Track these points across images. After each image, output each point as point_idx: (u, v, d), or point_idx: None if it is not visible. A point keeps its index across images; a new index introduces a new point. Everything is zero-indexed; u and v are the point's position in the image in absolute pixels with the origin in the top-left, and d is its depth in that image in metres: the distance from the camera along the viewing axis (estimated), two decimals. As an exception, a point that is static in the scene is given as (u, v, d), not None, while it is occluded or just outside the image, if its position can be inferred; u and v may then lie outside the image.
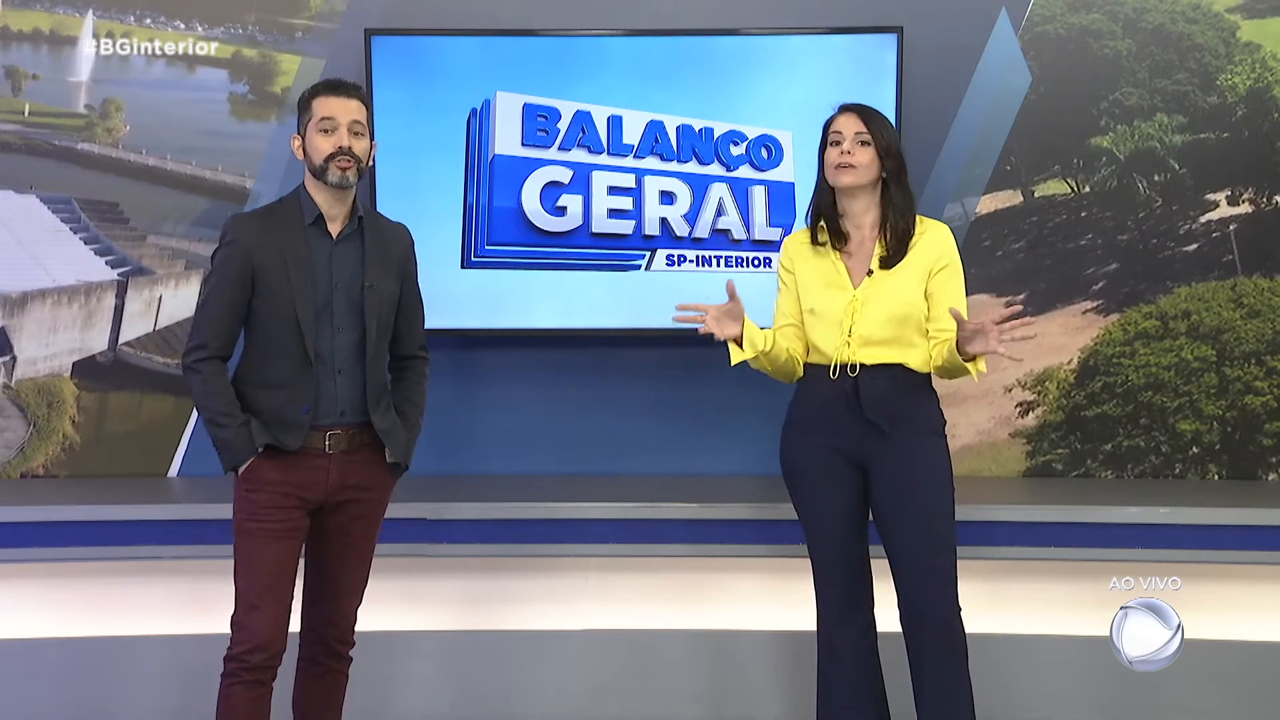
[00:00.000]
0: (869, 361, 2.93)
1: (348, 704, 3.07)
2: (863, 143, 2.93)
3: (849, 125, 2.95)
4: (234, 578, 2.84)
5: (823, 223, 3.03)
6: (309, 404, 2.80)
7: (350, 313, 2.84)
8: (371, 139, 2.90)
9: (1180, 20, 4.10)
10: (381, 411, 2.89)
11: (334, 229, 2.85)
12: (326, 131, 2.80)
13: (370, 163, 2.91)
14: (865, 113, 2.97)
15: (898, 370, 2.94)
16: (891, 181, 2.95)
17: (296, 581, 2.88)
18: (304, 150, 2.85)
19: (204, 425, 2.82)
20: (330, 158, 2.79)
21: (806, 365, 3.04)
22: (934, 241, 2.97)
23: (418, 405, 3.02)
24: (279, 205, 2.89)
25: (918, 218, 3.00)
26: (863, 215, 3.00)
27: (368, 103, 2.89)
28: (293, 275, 2.78)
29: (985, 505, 3.64)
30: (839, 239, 3.01)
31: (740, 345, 2.94)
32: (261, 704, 2.82)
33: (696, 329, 2.94)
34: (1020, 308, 2.85)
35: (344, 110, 2.81)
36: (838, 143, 2.95)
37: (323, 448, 2.82)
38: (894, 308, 2.93)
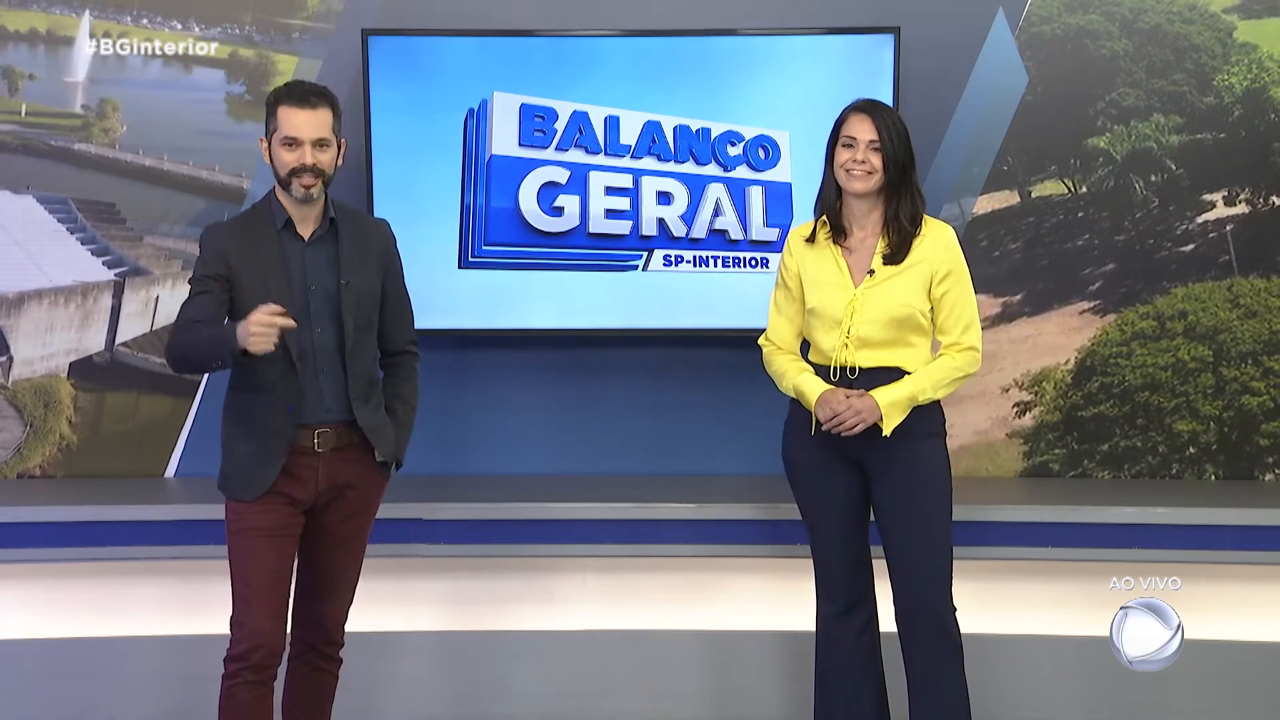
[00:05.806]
0: (867, 365, 2.93)
1: (347, 705, 3.07)
2: (876, 149, 2.90)
3: (863, 131, 2.91)
4: (230, 580, 2.84)
5: (825, 218, 3.02)
6: (294, 403, 2.82)
7: (328, 312, 2.85)
8: (339, 141, 2.86)
9: (1177, 21, 4.10)
10: (370, 409, 2.90)
11: (304, 231, 2.86)
12: (290, 146, 2.78)
13: (340, 164, 2.88)
14: (878, 116, 2.92)
15: (895, 374, 2.93)
16: (899, 184, 2.93)
17: (292, 580, 2.89)
18: (269, 157, 2.84)
19: (206, 360, 2.81)
20: (294, 173, 2.78)
21: (809, 364, 3.04)
22: (936, 245, 2.95)
23: (408, 402, 3.02)
24: (252, 213, 2.90)
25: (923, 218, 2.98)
26: (867, 215, 2.98)
27: (336, 106, 2.85)
28: (269, 279, 2.80)
29: (982, 505, 3.64)
30: (840, 234, 3.00)
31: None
32: (265, 703, 2.83)
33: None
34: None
35: (309, 126, 2.78)
36: (850, 146, 2.92)
37: (312, 446, 2.84)
38: (892, 309, 2.91)
